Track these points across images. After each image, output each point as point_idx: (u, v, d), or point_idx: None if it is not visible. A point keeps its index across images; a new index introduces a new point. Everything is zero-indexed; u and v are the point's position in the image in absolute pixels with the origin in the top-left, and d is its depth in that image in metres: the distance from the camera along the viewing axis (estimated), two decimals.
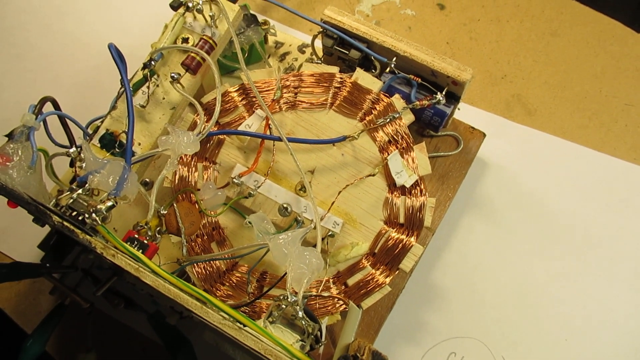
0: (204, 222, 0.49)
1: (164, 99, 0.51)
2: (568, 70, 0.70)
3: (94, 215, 0.40)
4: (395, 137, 0.52)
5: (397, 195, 0.51)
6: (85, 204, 0.41)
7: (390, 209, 0.51)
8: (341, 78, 0.53)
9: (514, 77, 0.70)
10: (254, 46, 0.59)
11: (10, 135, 0.44)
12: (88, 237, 0.39)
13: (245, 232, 0.50)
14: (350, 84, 0.53)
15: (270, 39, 0.64)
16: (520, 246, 0.61)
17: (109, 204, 0.40)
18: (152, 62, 0.49)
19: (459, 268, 0.60)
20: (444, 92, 0.52)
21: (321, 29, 0.55)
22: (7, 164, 0.43)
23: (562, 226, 0.62)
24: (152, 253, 0.42)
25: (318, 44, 0.57)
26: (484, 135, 0.61)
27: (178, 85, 0.49)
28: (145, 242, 0.41)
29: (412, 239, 0.50)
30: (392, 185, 0.51)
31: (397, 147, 0.51)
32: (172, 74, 0.49)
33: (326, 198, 0.51)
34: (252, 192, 0.48)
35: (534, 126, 0.67)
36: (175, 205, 0.45)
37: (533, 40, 0.72)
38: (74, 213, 0.41)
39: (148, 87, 0.50)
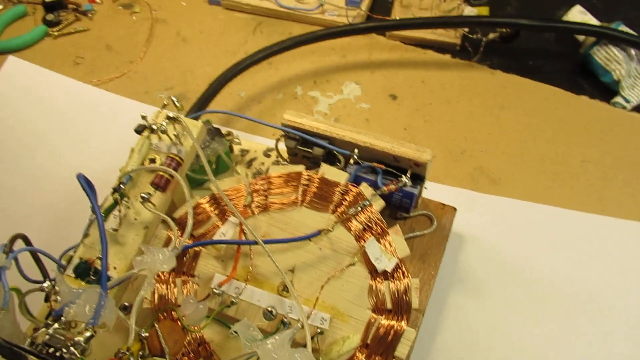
0: (188, 339, 0.48)
1: (136, 219, 0.51)
2: (522, 138, 0.74)
3: (72, 348, 0.38)
4: (369, 224, 0.52)
5: (380, 281, 0.51)
6: (63, 338, 0.39)
7: (376, 295, 0.50)
8: (308, 175, 0.54)
9: (472, 151, 0.73)
10: (220, 157, 0.61)
11: None
12: None
13: (232, 342, 0.48)
14: (317, 180, 0.54)
15: (236, 148, 0.66)
16: (511, 315, 0.60)
17: (88, 334, 0.39)
18: (122, 186, 0.50)
19: (455, 347, 0.58)
20: (408, 175, 0.54)
21: (283, 133, 0.58)
22: None
23: (548, 287, 0.61)
24: None
25: (282, 146, 0.59)
26: (455, 209, 0.62)
27: (149, 204, 0.50)
28: None
29: (403, 324, 0.49)
30: (373, 272, 0.51)
31: (372, 234, 0.52)
32: (142, 195, 0.50)
33: (310, 295, 0.50)
34: (234, 300, 0.48)
35: (501, 194, 0.69)
36: (156, 325, 0.44)
37: (484, 115, 0.76)
38: (51, 349, 0.39)
39: (119, 211, 0.50)
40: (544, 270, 0.63)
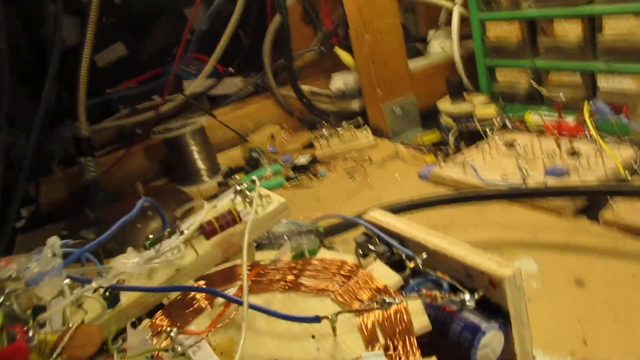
0: None
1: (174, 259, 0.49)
2: None
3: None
4: (392, 338, 0.36)
5: None
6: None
7: None
8: (352, 267, 0.43)
9: None
10: (303, 253, 0.54)
11: None
12: None
13: None
14: (361, 275, 0.42)
15: None
16: None
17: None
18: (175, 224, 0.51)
19: None
20: (475, 295, 0.36)
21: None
22: None
23: None
24: (16, 354, 0.34)
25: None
26: None
27: (189, 244, 0.48)
28: (17, 337, 0.35)
29: None
30: None
31: (394, 353, 0.35)
32: (184, 229, 0.48)
33: None
34: (177, 349, 0.38)
35: None
36: (73, 324, 0.38)
37: None
38: None
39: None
40: None
